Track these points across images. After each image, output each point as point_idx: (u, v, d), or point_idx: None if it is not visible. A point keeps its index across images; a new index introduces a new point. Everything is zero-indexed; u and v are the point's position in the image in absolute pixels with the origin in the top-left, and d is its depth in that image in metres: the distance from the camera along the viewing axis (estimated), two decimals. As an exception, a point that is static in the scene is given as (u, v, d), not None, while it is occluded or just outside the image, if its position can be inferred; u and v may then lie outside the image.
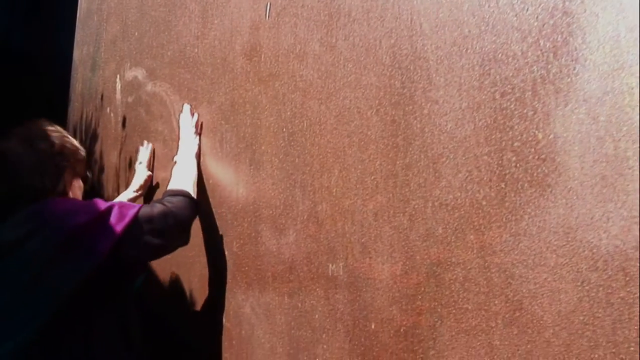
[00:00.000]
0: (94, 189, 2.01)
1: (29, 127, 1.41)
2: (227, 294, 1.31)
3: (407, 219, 0.94)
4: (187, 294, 1.49)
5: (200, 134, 1.55)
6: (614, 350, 0.68)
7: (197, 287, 1.45)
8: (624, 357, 0.67)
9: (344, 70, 1.11)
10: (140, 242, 1.23)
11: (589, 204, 0.72)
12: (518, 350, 0.77)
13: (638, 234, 0.67)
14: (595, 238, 0.71)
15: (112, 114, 2.09)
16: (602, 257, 0.70)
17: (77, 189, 1.43)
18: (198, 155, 1.50)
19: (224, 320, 1.31)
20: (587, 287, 0.71)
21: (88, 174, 1.50)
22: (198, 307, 1.44)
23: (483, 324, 0.82)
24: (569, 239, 0.74)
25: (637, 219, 0.68)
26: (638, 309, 0.66)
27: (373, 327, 0.96)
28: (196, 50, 1.60)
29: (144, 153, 1.87)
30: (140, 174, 1.84)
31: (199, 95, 1.55)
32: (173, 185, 1.38)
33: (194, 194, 1.36)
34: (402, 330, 0.92)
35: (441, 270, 0.88)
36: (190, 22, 1.65)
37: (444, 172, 0.90)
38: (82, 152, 1.45)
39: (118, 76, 2.06)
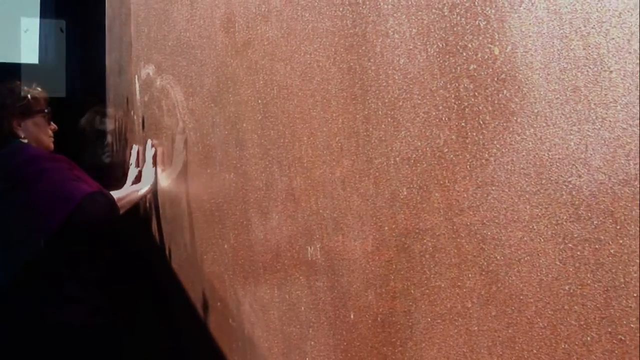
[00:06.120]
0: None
1: None
2: (230, 291, 1.21)
3: (372, 183, 0.77)
4: (200, 294, 1.41)
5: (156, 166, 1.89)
6: (609, 330, 0.49)
7: (208, 287, 1.36)
8: (622, 337, 0.48)
9: (303, 22, 0.96)
10: None
11: (562, 129, 0.53)
12: (499, 336, 0.59)
13: (625, 161, 0.47)
14: (574, 175, 0.52)
15: (135, 116, 2.07)
16: (584, 201, 0.51)
17: (31, 126, 1.77)
18: (154, 186, 1.88)
19: (230, 320, 1.22)
20: (570, 245, 0.52)
21: (46, 110, 1.83)
22: (209, 307, 1.36)
23: (458, 306, 0.64)
24: (543, 182, 0.55)
25: (624, 141, 0.48)
26: (637, 267, 0.47)
27: (352, 317, 0.81)
28: (188, 34, 1.50)
29: (133, 156, 2.18)
30: (132, 173, 2.10)
31: (193, 81, 1.46)
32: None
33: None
34: (379, 319, 0.76)
35: (410, 241, 0.71)
36: (182, 7, 1.56)
37: (402, 119, 0.72)
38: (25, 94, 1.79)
39: (136, 77, 2.03)
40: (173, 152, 1.67)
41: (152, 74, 1.80)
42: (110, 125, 2.18)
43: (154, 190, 1.88)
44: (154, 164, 1.88)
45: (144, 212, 2.02)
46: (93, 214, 1.62)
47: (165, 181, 1.78)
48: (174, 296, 1.65)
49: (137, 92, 2.01)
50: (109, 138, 2.20)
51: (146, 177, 1.91)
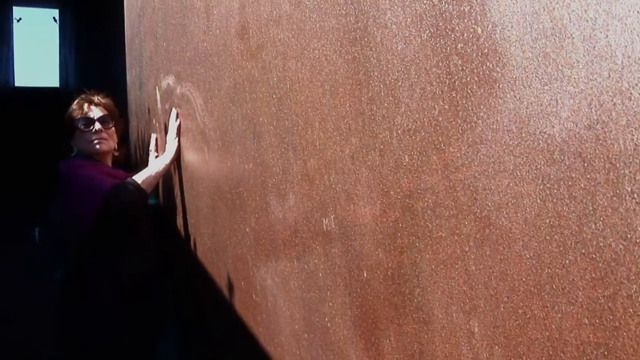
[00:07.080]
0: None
1: None
2: (254, 270, 1.29)
3: (378, 155, 0.85)
4: (224, 276, 1.49)
5: (179, 136, 1.90)
6: (583, 251, 0.56)
7: (232, 269, 1.44)
8: (594, 256, 0.55)
9: (311, 22, 1.04)
10: None
11: (536, 89, 0.60)
12: (493, 272, 0.66)
13: (588, 109, 0.55)
14: (548, 126, 0.59)
15: (157, 124, 2.16)
16: (557, 147, 0.58)
17: (76, 141, 1.93)
18: (177, 155, 1.93)
19: (253, 295, 1.29)
20: (548, 185, 0.59)
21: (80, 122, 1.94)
22: (234, 287, 1.43)
23: (458, 251, 0.71)
24: (523, 135, 0.62)
25: (586, 93, 0.55)
26: (602, 197, 0.54)
27: (365, 275, 0.88)
28: (205, 44, 1.59)
29: (152, 143, 2.22)
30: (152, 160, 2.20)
31: (211, 86, 1.54)
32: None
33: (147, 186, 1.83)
34: (389, 273, 0.83)
35: (413, 200, 0.78)
36: (199, 20, 1.65)
37: (402, 97, 0.80)
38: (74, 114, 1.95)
39: (157, 87, 2.12)
40: (166, 139, 1.79)
41: (172, 83, 1.90)
42: (99, 112, 2.11)
43: (181, 191, 1.94)
44: (178, 134, 1.91)
45: (169, 208, 2.10)
46: (123, 201, 1.70)
47: (188, 175, 1.86)
48: (200, 281, 1.72)
49: (158, 101, 2.10)
50: (97, 125, 2.15)
51: (170, 147, 1.94)
